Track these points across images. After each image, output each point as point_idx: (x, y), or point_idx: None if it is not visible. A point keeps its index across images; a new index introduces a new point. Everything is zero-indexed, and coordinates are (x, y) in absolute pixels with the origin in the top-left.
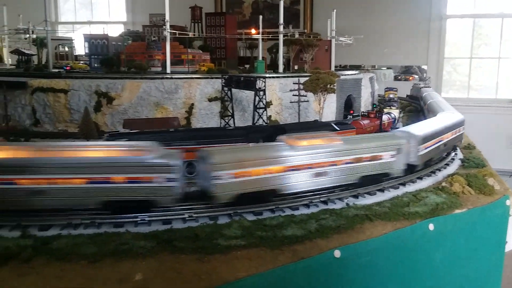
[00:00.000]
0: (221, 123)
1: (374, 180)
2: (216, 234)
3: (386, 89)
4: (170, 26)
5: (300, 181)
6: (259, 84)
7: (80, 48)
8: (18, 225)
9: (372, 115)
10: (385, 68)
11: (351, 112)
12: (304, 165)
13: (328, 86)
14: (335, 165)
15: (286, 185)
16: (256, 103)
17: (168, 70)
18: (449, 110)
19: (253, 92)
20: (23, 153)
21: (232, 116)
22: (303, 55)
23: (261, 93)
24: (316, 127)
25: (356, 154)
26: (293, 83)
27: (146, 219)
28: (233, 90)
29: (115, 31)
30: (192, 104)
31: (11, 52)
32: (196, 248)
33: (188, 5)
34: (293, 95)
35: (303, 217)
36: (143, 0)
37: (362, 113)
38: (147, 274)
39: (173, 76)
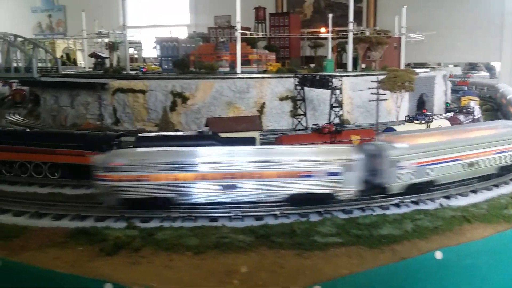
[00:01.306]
0: (293, 121)
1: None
2: (311, 231)
3: (462, 94)
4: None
5: None
6: (336, 82)
7: (148, 51)
8: (122, 216)
9: (329, 129)
10: (452, 66)
11: (424, 111)
12: None
13: (407, 84)
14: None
15: None
16: (332, 101)
17: (239, 70)
18: None
19: (324, 91)
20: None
21: (305, 115)
22: (371, 53)
23: (338, 91)
24: (195, 139)
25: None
26: (371, 81)
27: (239, 214)
28: (304, 89)
29: (179, 33)
30: (263, 104)
31: (89, 55)
32: (294, 244)
33: (249, 6)
34: (372, 93)
35: (396, 217)
36: (205, 3)
37: (315, 126)
38: (251, 267)
39: (245, 76)
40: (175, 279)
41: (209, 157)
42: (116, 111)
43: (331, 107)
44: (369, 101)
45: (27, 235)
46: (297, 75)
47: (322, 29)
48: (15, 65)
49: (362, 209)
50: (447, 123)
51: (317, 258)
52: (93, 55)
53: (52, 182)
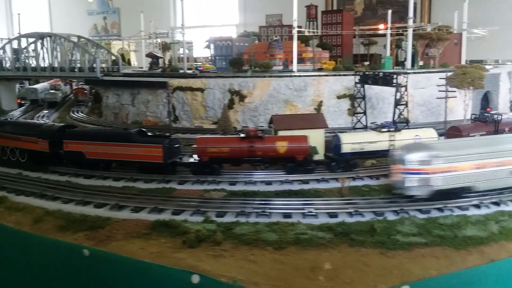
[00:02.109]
0: (352, 120)
1: None
2: (391, 230)
3: None
4: (287, 26)
5: None
6: (401, 80)
7: (199, 50)
8: (198, 210)
9: (249, 133)
10: (510, 63)
11: (488, 109)
12: None
13: (477, 80)
14: None
15: None
16: (397, 99)
17: (295, 68)
18: None
19: (384, 89)
20: None
21: (364, 113)
22: (429, 50)
23: (403, 89)
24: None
25: None
26: (439, 78)
27: (313, 211)
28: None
29: (228, 32)
30: (321, 102)
31: (147, 55)
32: (376, 243)
33: (299, 4)
34: (440, 91)
35: (479, 218)
36: (255, 2)
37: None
38: (335, 264)
39: (302, 74)
40: (260, 273)
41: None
42: (175, 109)
43: (396, 105)
44: (437, 98)
45: (111, 226)
46: (357, 73)
47: (381, 26)
48: (78, 65)
49: (440, 209)
50: (432, 133)
51: (402, 257)
52: (149, 55)
53: (125, 176)
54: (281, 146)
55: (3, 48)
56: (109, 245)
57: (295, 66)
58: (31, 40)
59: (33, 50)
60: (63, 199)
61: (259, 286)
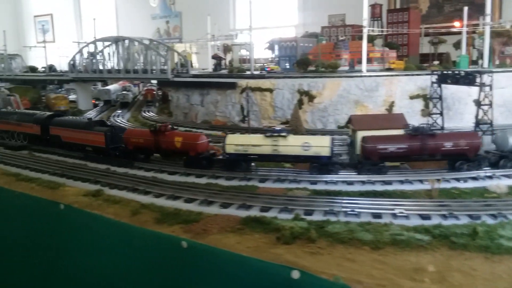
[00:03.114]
0: (427, 121)
1: None
2: (493, 234)
3: None
4: (350, 25)
5: None
6: (485, 79)
7: (259, 51)
8: (286, 208)
9: (159, 128)
10: None
11: None
12: None
13: None
14: None
15: None
16: (480, 99)
17: (364, 68)
18: None
19: (460, 89)
20: None
21: (441, 114)
22: (505, 48)
23: (487, 88)
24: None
25: None
26: None
27: (404, 212)
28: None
29: (286, 33)
30: (392, 102)
31: (212, 57)
32: (479, 247)
33: (360, 4)
34: None
35: None
36: (314, 2)
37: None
38: (439, 267)
39: (373, 74)
40: (361, 272)
41: None
42: (243, 109)
43: (479, 105)
44: None
45: (205, 220)
46: (434, 72)
47: (456, 23)
48: (151, 67)
49: None
50: (325, 142)
51: (510, 262)
52: (214, 56)
53: (207, 173)
54: (177, 141)
55: (80, 51)
56: (206, 238)
57: (364, 66)
58: (106, 43)
59: (108, 53)
60: (154, 193)
61: (362, 284)
